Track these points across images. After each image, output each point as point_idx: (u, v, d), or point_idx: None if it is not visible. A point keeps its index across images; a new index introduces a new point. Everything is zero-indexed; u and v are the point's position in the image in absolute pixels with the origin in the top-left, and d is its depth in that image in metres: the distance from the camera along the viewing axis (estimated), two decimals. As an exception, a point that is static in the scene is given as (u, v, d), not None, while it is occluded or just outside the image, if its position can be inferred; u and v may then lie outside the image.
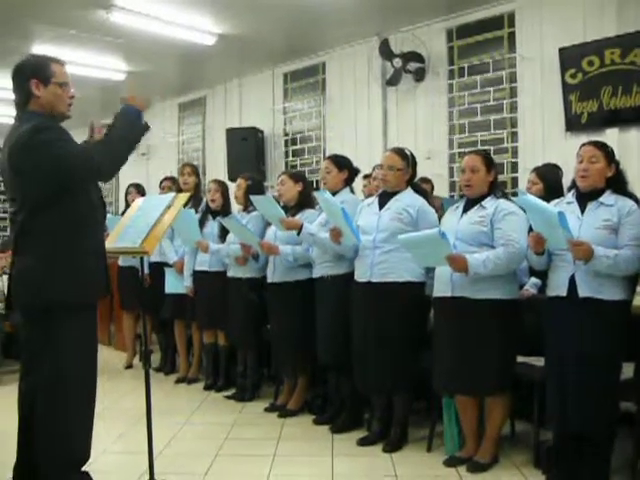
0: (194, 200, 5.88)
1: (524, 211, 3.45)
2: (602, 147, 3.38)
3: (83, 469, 3.04)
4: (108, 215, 4.68)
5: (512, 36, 6.64)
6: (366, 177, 5.58)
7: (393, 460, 3.91)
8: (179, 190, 5.88)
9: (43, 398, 2.88)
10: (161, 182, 6.39)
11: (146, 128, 3.05)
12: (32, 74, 2.96)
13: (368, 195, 5.20)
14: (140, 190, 6.53)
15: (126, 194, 6.72)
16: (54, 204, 2.88)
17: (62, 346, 2.88)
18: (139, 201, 3.46)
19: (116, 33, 7.19)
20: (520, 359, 3.79)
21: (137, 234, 3.11)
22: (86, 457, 3.04)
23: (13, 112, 3.02)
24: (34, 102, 2.96)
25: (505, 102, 6.69)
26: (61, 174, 2.84)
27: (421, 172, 5.90)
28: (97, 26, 6.96)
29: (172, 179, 6.37)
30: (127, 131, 2.99)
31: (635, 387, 3.27)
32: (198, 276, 5.70)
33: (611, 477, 3.37)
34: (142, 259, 3.43)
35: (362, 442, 4.17)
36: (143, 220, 3.18)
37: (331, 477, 3.67)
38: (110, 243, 3.27)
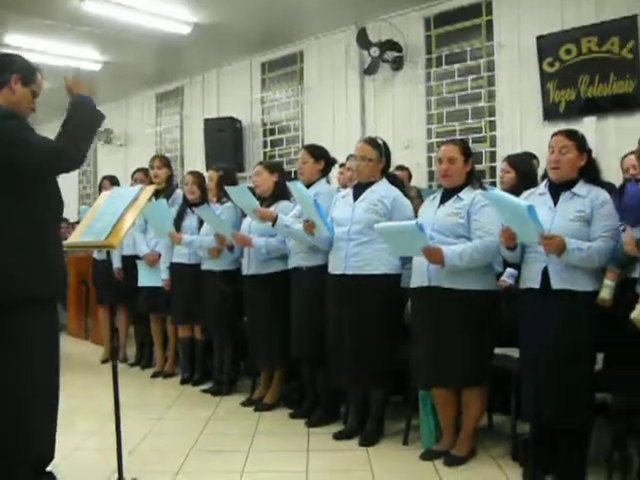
0: (167, 192, 5.82)
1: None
2: (573, 136, 3.32)
3: (48, 469, 2.97)
4: (83, 207, 4.61)
5: (490, 24, 6.61)
6: (342, 166, 5.53)
7: (369, 454, 3.87)
8: (150, 183, 5.82)
9: (1, 397, 2.80)
10: (133, 174, 6.27)
11: (102, 117, 2.97)
12: (18, 69, 2.95)
13: (343, 185, 5.15)
14: (114, 182, 6.41)
15: (100, 186, 6.63)
16: (17, 195, 2.79)
17: (23, 342, 2.80)
18: (106, 194, 3.38)
19: (90, 23, 7.10)
20: (497, 350, 3.76)
21: (103, 228, 3.02)
22: (48, 458, 2.97)
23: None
24: (4, 94, 2.91)
25: (483, 91, 6.66)
26: (26, 163, 2.76)
27: (399, 161, 5.89)
28: (71, 16, 6.87)
29: (145, 171, 6.24)
30: (87, 120, 2.91)
31: (608, 377, 3.24)
32: (175, 268, 5.63)
33: (587, 468, 3.35)
34: (108, 253, 3.35)
35: (338, 436, 4.13)
36: (109, 213, 3.10)
37: (306, 472, 3.62)
38: (76, 237, 3.18)
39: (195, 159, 9.33)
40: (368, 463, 3.74)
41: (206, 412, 4.78)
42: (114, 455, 3.28)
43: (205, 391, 5.33)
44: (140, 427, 4.34)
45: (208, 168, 7.63)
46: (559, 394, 3.23)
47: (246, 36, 7.91)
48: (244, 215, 4.90)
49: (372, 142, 4.14)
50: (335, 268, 4.09)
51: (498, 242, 3.44)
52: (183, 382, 5.64)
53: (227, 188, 4.70)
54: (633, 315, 2.91)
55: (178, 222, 5.48)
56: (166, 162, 6.05)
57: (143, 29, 7.26)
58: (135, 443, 4.03)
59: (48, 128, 3.06)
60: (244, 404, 4.93)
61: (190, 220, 5.50)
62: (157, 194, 5.71)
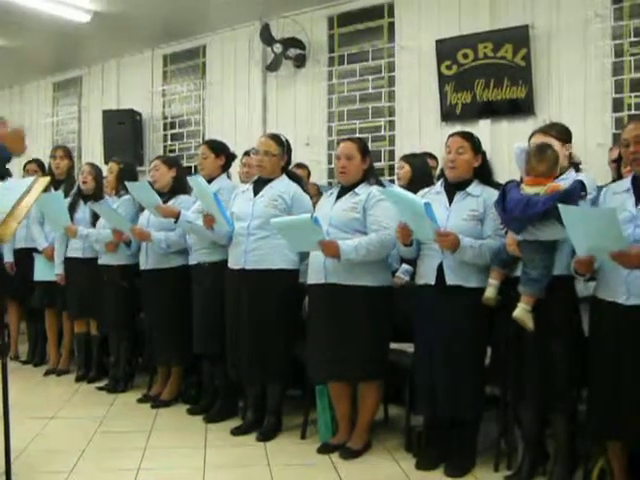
0: (67, 184, 5.66)
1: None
2: (469, 138, 3.46)
3: None
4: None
5: (392, 26, 6.74)
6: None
7: (267, 449, 3.88)
8: (50, 174, 5.64)
9: None
10: (25, 165, 6.04)
11: None
12: None
13: (245, 180, 5.14)
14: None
15: (-13, 177, 6.36)
16: None
17: None
18: (-3, 185, 3.26)
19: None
20: (392, 345, 3.83)
21: (-7, 220, 2.92)
22: None
23: None
24: None
25: (383, 91, 6.79)
26: None
27: (300, 158, 5.93)
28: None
29: (38, 162, 6.03)
30: None
31: (497, 371, 3.38)
32: (70, 263, 5.47)
33: (477, 457, 3.50)
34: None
35: (236, 431, 4.12)
36: (0, 205, 2.99)
37: (203, 468, 3.60)
38: (-36, 229, 3.05)
39: (93, 151, 9.10)
40: (266, 458, 3.75)
41: (101, 410, 4.67)
42: (1, 458, 3.16)
43: (101, 388, 5.21)
44: (31, 427, 4.19)
45: (107, 161, 7.50)
46: (452, 387, 3.34)
47: (148, 27, 7.77)
48: (142, 208, 4.81)
49: (276, 138, 4.16)
50: (234, 263, 4.08)
51: (394, 236, 3.50)
52: (78, 379, 5.49)
53: (127, 184, 4.61)
54: (515, 314, 3.05)
55: (70, 214, 5.31)
56: (68, 153, 5.87)
57: (40, 14, 7.01)
58: (25, 444, 3.88)
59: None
60: (141, 401, 4.85)
61: (83, 212, 5.35)
62: (57, 185, 5.56)
